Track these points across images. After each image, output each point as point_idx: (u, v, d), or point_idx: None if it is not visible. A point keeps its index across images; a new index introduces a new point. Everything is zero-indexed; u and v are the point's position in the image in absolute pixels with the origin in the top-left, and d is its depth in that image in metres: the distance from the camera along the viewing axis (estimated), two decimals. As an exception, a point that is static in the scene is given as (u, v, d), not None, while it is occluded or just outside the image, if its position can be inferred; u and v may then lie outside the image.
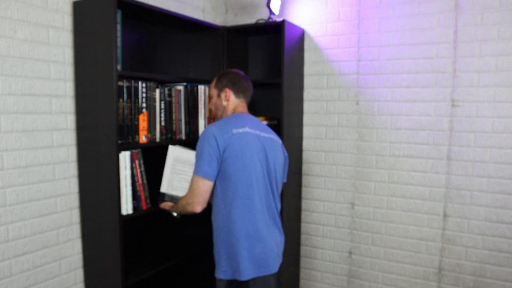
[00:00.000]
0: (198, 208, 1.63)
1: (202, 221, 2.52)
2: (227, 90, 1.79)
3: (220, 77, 1.84)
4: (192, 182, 1.64)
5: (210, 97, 1.90)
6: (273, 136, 1.79)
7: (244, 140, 1.62)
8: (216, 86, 1.83)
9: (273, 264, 1.69)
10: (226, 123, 1.66)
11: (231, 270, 1.63)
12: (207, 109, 2.36)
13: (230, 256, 1.63)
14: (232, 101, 1.80)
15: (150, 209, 1.96)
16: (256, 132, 1.69)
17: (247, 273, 1.61)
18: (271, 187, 1.72)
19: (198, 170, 1.60)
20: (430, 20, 2.21)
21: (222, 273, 1.65)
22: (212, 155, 1.58)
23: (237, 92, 1.80)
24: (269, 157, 1.71)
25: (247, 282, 1.62)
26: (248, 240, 1.62)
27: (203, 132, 1.66)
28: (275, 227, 1.74)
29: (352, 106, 2.47)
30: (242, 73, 1.86)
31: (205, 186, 1.60)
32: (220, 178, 1.62)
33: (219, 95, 1.82)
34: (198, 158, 1.62)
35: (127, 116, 1.83)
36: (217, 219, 1.67)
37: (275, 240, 1.71)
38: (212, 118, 2.42)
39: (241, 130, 1.64)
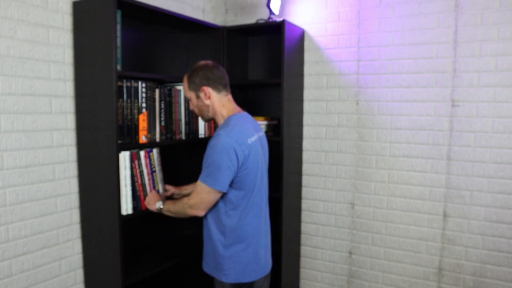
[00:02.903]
0: (203, 213, 1.63)
1: (202, 221, 2.52)
2: (205, 88, 1.64)
3: (190, 77, 1.67)
4: (202, 191, 1.57)
5: (188, 99, 1.74)
6: (263, 132, 1.81)
7: (255, 149, 1.61)
8: (190, 88, 1.67)
9: (270, 262, 1.77)
10: (239, 132, 1.57)
11: (235, 273, 1.62)
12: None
13: (235, 259, 1.62)
14: (215, 98, 1.66)
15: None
16: (258, 134, 1.69)
17: (254, 275, 1.65)
18: (267, 186, 1.76)
19: (214, 184, 1.53)
20: (430, 20, 2.21)
21: (224, 276, 1.63)
22: (231, 169, 1.53)
23: (215, 87, 1.66)
24: (266, 158, 1.75)
25: (252, 283, 1.65)
26: (256, 243, 1.65)
27: (220, 143, 1.52)
28: (268, 225, 1.79)
29: (352, 106, 2.47)
30: (211, 62, 1.71)
31: (217, 197, 1.59)
32: (235, 187, 1.59)
33: (198, 96, 1.67)
34: (215, 170, 1.53)
35: (127, 116, 1.83)
36: (222, 225, 1.62)
37: (269, 239, 1.79)
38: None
39: (253, 139, 1.61)
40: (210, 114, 1.70)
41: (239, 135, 1.56)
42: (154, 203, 1.84)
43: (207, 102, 1.66)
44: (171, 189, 2.07)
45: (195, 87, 1.66)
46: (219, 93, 1.67)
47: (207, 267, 1.72)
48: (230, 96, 1.72)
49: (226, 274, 1.63)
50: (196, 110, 1.74)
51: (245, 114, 1.73)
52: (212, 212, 1.65)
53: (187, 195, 2.06)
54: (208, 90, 1.65)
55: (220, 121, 1.68)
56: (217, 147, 1.53)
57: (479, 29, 2.10)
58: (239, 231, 1.62)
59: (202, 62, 1.70)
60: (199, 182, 1.58)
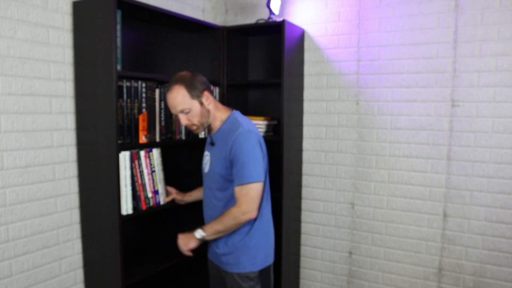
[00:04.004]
0: (256, 213, 1.61)
1: (202, 221, 2.52)
2: (206, 92, 1.64)
3: (189, 86, 1.60)
4: (250, 191, 1.57)
5: (184, 112, 1.62)
6: None
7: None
8: (193, 97, 1.60)
9: None
10: (253, 126, 1.67)
11: (261, 259, 1.68)
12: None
13: (260, 246, 1.68)
14: (212, 102, 1.68)
15: (150, 209, 1.96)
16: None
17: (271, 257, 1.75)
18: None
19: (259, 177, 1.57)
20: (430, 20, 2.21)
21: (251, 265, 1.66)
22: (261, 160, 1.61)
23: (210, 90, 1.67)
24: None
25: (269, 266, 1.73)
26: (272, 227, 1.77)
27: (246, 138, 1.57)
28: None
29: (352, 106, 2.47)
30: (190, 71, 1.71)
31: (262, 189, 1.63)
32: None
33: (201, 103, 1.63)
34: (254, 164, 1.56)
35: (127, 116, 1.83)
36: None
37: None
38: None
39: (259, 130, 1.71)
40: (210, 120, 1.68)
41: (255, 128, 1.66)
42: (192, 238, 1.69)
43: (209, 107, 1.65)
44: (172, 191, 2.06)
45: (198, 94, 1.62)
46: (212, 96, 1.69)
47: (228, 266, 1.70)
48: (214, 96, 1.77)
49: (253, 263, 1.66)
50: (196, 120, 1.64)
51: (238, 111, 1.76)
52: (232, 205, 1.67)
53: (190, 202, 2.09)
54: (208, 94, 1.64)
55: (218, 123, 1.69)
56: (245, 143, 1.57)
57: (479, 29, 2.10)
58: (263, 218, 1.69)
59: (186, 72, 1.66)
60: (242, 186, 1.57)
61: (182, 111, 1.61)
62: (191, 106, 1.61)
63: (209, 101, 1.64)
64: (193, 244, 1.69)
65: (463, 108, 2.18)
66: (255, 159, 1.58)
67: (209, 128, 1.74)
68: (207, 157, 1.75)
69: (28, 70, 1.69)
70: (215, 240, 1.72)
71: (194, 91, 1.61)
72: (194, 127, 1.66)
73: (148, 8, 1.89)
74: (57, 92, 1.81)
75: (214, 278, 1.84)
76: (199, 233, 1.67)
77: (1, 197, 1.63)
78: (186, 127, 1.92)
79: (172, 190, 2.06)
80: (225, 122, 1.68)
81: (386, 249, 2.44)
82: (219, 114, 1.69)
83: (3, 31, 1.60)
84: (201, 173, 2.57)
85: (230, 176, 1.62)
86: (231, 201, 1.65)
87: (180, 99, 1.59)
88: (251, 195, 1.57)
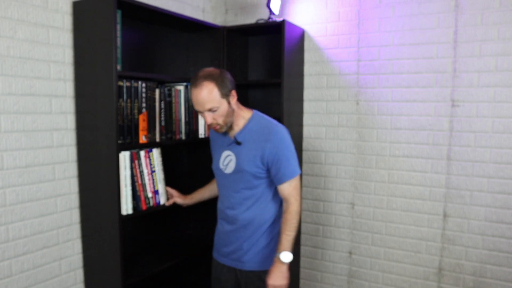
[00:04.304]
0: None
1: (202, 221, 2.52)
2: (234, 92, 1.62)
3: (220, 84, 1.56)
4: (297, 182, 1.64)
5: (212, 111, 1.57)
6: None
7: None
8: (222, 96, 1.56)
9: None
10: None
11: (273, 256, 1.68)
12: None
13: (275, 240, 1.69)
14: (237, 101, 1.66)
15: (150, 209, 1.96)
16: None
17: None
18: None
19: (298, 169, 1.65)
20: (430, 20, 2.21)
21: (271, 262, 1.66)
22: None
23: (235, 90, 1.66)
24: None
25: None
26: None
27: (284, 132, 1.65)
28: None
29: (352, 106, 2.47)
30: (217, 68, 1.67)
31: None
32: None
33: (229, 103, 1.60)
34: (295, 157, 1.65)
35: (127, 116, 1.83)
36: (271, 211, 1.70)
37: None
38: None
39: None
40: (232, 118, 1.65)
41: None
42: (282, 268, 1.62)
43: (234, 106, 1.63)
44: (173, 193, 2.03)
45: (227, 93, 1.58)
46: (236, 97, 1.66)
47: (252, 264, 1.70)
48: None
49: (271, 258, 1.67)
50: (221, 120, 1.60)
51: (256, 110, 1.78)
52: (261, 203, 1.68)
53: (191, 205, 2.06)
54: (235, 93, 1.63)
55: (242, 122, 1.68)
56: (285, 139, 1.63)
57: (479, 29, 2.10)
58: (279, 212, 1.72)
59: (214, 69, 1.62)
60: (291, 181, 1.62)
61: (210, 110, 1.56)
62: (220, 105, 1.57)
63: (235, 100, 1.63)
64: (286, 272, 1.63)
65: (463, 108, 2.18)
66: (294, 153, 1.66)
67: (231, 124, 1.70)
68: (229, 157, 1.70)
69: (28, 70, 1.69)
70: (232, 242, 1.72)
71: (224, 90, 1.57)
72: (218, 127, 1.63)
73: (148, 8, 1.88)
74: (57, 92, 1.81)
75: (226, 282, 1.80)
76: (286, 257, 1.61)
77: (1, 197, 1.63)
78: (207, 125, 1.82)
79: (173, 192, 2.04)
80: (250, 121, 1.67)
81: (386, 249, 2.44)
82: (242, 113, 1.68)
83: (3, 31, 1.60)
84: (202, 173, 2.58)
85: (261, 174, 1.64)
86: (260, 199, 1.67)
87: (210, 97, 1.54)
88: (298, 187, 1.65)
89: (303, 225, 2.69)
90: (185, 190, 2.14)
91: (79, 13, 1.82)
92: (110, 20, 1.70)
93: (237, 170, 1.66)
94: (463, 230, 2.23)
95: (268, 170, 1.64)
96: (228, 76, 1.61)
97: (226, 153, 1.72)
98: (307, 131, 2.62)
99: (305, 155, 2.64)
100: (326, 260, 2.64)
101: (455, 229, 2.25)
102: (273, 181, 1.67)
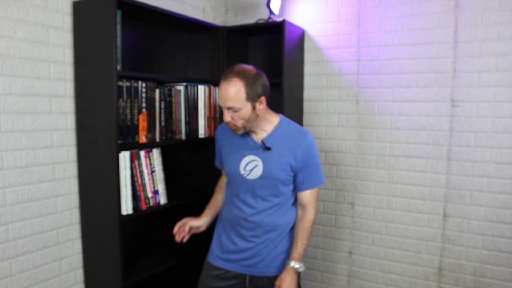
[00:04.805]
0: None
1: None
2: (263, 98, 1.52)
3: (250, 86, 1.46)
4: (317, 192, 1.64)
5: (232, 110, 1.49)
6: None
7: None
8: (248, 99, 1.46)
9: None
10: None
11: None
12: (207, 109, 2.36)
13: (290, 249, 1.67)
14: (264, 106, 1.56)
15: (150, 209, 1.96)
16: None
17: None
18: None
19: (324, 179, 1.65)
20: (430, 20, 2.21)
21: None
22: None
23: (268, 95, 1.56)
24: None
25: None
26: None
27: (312, 139, 1.60)
28: None
29: (352, 106, 2.47)
30: (256, 68, 1.56)
31: None
32: None
33: (254, 108, 1.50)
34: (320, 166, 1.63)
35: (127, 116, 1.83)
36: (287, 218, 1.65)
37: None
38: (212, 118, 2.42)
39: None
40: (254, 123, 1.56)
41: None
42: (293, 276, 1.58)
43: (259, 112, 1.53)
44: (184, 221, 1.76)
45: (255, 97, 1.48)
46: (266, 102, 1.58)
47: (270, 270, 1.65)
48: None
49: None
50: (240, 123, 1.51)
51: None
52: (284, 209, 1.65)
53: (199, 227, 1.80)
54: (264, 99, 1.53)
55: (270, 127, 1.60)
56: (315, 147, 1.60)
57: (479, 29, 2.10)
58: (296, 217, 1.68)
59: (251, 67, 1.51)
60: (313, 189, 1.61)
61: (231, 108, 1.48)
62: (243, 107, 1.47)
63: (262, 106, 1.53)
64: (296, 280, 1.59)
65: (463, 108, 2.18)
66: (320, 161, 1.64)
67: (250, 131, 1.60)
68: (254, 162, 1.58)
69: (28, 70, 1.69)
70: (248, 249, 1.64)
71: (252, 93, 1.47)
72: (234, 127, 1.54)
73: (148, 8, 1.89)
74: (57, 92, 1.81)
75: None
76: (299, 266, 1.58)
77: (1, 197, 1.63)
78: (227, 123, 1.60)
79: (184, 220, 1.75)
80: (278, 126, 1.60)
81: (386, 249, 2.44)
82: (269, 118, 1.61)
83: (3, 31, 1.60)
84: (202, 173, 2.57)
85: (289, 181, 1.60)
86: (285, 204, 1.63)
87: (234, 95, 1.45)
88: (317, 196, 1.64)
89: (303, 225, 2.69)
90: (185, 190, 2.14)
91: (79, 13, 1.82)
92: (110, 20, 1.70)
93: (264, 176, 1.57)
94: (463, 230, 2.23)
95: (294, 176, 1.60)
96: (263, 80, 1.51)
97: (249, 157, 1.60)
98: (307, 131, 2.62)
99: (305, 155, 2.64)
100: (326, 260, 2.64)
101: (455, 229, 2.25)
102: (295, 187, 1.63)
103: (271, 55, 2.67)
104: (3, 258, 1.65)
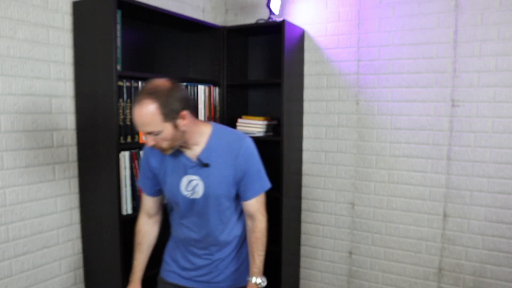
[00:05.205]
0: None
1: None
2: (184, 113, 1.30)
3: (165, 104, 1.25)
4: (264, 197, 1.49)
5: (153, 134, 1.29)
6: None
7: None
8: (165, 120, 1.27)
9: None
10: None
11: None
12: (207, 109, 2.36)
13: (246, 258, 1.59)
14: (190, 120, 1.34)
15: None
16: None
17: None
18: None
19: (269, 182, 1.50)
20: (430, 20, 2.21)
21: (244, 276, 1.58)
22: None
23: (190, 107, 1.35)
24: None
25: None
26: None
27: (250, 143, 1.45)
28: None
29: (352, 106, 2.47)
30: (171, 80, 1.34)
31: None
32: None
33: (175, 127, 1.30)
34: (262, 171, 1.48)
35: (127, 116, 1.83)
36: (238, 230, 1.55)
37: None
38: (212, 118, 2.42)
39: None
40: (184, 140, 1.38)
41: None
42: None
43: (184, 128, 1.32)
44: None
45: (173, 116, 1.28)
46: (191, 114, 1.36)
47: (227, 283, 1.55)
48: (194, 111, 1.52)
49: (245, 272, 1.57)
50: (165, 144, 1.33)
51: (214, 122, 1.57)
52: (234, 221, 1.53)
53: None
54: (186, 114, 1.31)
55: (202, 140, 1.42)
56: (254, 151, 1.46)
57: (479, 29, 2.10)
58: (245, 225, 1.56)
59: (164, 82, 1.30)
60: (259, 196, 1.46)
61: (150, 133, 1.30)
62: (162, 128, 1.28)
63: (186, 122, 1.32)
64: None
65: (463, 108, 2.18)
66: (262, 164, 1.49)
67: (182, 147, 1.42)
68: (194, 181, 1.42)
69: (28, 70, 1.69)
70: (204, 266, 1.53)
71: (169, 112, 1.27)
72: (161, 150, 1.37)
73: (148, 8, 1.89)
74: (57, 92, 1.81)
75: None
76: (261, 281, 1.47)
77: (1, 197, 1.63)
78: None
79: None
80: (212, 137, 1.42)
81: (386, 249, 2.44)
82: (199, 130, 1.42)
83: (3, 31, 1.60)
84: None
85: (233, 194, 1.46)
86: (233, 217, 1.51)
87: (149, 119, 1.26)
88: (264, 202, 1.49)
89: (303, 225, 2.69)
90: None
91: (79, 13, 1.82)
92: (110, 20, 1.70)
93: (207, 194, 1.43)
94: (463, 230, 2.23)
95: (238, 187, 1.46)
96: (179, 93, 1.30)
97: (188, 177, 1.43)
98: (307, 131, 2.62)
99: (305, 155, 2.64)
100: (326, 260, 2.64)
101: (455, 229, 2.25)
102: (240, 197, 1.49)
103: (271, 55, 2.67)
104: (3, 258, 1.65)
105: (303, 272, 2.73)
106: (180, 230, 1.55)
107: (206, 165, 1.41)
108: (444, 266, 2.30)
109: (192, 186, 1.44)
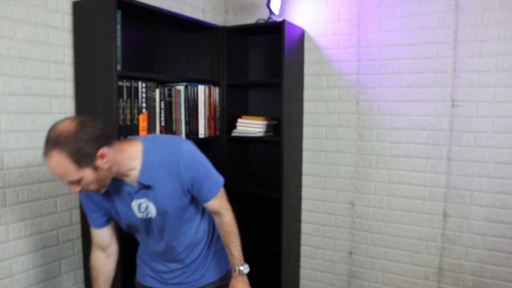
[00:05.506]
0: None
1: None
2: (102, 151, 1.17)
3: (74, 152, 1.12)
4: (222, 193, 1.44)
5: (74, 182, 1.18)
6: None
7: None
8: (80, 167, 1.14)
9: None
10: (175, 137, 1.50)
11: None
12: (207, 109, 2.36)
13: (219, 252, 1.60)
14: (111, 153, 1.21)
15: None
16: None
17: None
18: None
19: (221, 178, 1.44)
20: (430, 20, 2.21)
21: (220, 268, 1.61)
22: None
23: (108, 141, 1.21)
24: None
25: None
26: None
27: (188, 147, 1.35)
28: None
29: (352, 106, 2.47)
30: (79, 118, 1.19)
31: None
32: None
33: (96, 169, 1.18)
34: (210, 170, 1.41)
35: (127, 116, 1.83)
36: (204, 227, 1.54)
37: None
38: (212, 118, 2.42)
39: None
40: (115, 171, 1.26)
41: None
42: (245, 280, 1.52)
43: (106, 165, 1.20)
44: None
45: (89, 160, 1.15)
46: (112, 144, 1.23)
47: (216, 274, 1.57)
48: (115, 138, 1.30)
49: (220, 264, 1.58)
50: (92, 187, 1.22)
51: (144, 135, 1.49)
52: (197, 224, 1.50)
53: None
54: (105, 151, 1.18)
55: (135, 162, 1.30)
56: (194, 153, 1.36)
57: (479, 29, 2.10)
58: (212, 218, 1.55)
59: (68, 124, 1.15)
60: (216, 196, 1.41)
61: (70, 182, 1.19)
62: (81, 175, 1.17)
63: (107, 159, 1.19)
64: (248, 282, 1.53)
65: (463, 108, 2.18)
66: (208, 162, 1.41)
67: (119, 175, 1.31)
68: (144, 204, 1.36)
69: (28, 70, 1.69)
70: (176, 270, 1.53)
71: (83, 159, 1.14)
72: (93, 191, 1.26)
73: (148, 8, 1.89)
74: (57, 92, 1.81)
75: None
76: (245, 268, 1.50)
77: (1, 197, 1.63)
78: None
79: None
80: (146, 156, 1.30)
81: (386, 249, 2.44)
82: (130, 154, 1.29)
83: (3, 31, 1.60)
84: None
85: (188, 202, 1.42)
86: (194, 221, 1.48)
87: (62, 171, 1.14)
88: (224, 196, 1.46)
89: (303, 225, 2.69)
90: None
91: (79, 13, 1.82)
92: (110, 20, 1.70)
93: (161, 212, 1.38)
94: (463, 230, 2.23)
95: (191, 194, 1.41)
96: (88, 133, 1.15)
97: (137, 202, 1.36)
98: (307, 131, 2.62)
99: (305, 155, 2.64)
100: (326, 260, 2.64)
101: (455, 229, 2.25)
102: (198, 201, 1.45)
103: (271, 55, 2.67)
104: (3, 258, 1.65)
105: (303, 272, 2.73)
106: (147, 246, 1.53)
107: (148, 187, 1.33)
108: (444, 266, 2.30)
109: (143, 207, 1.37)
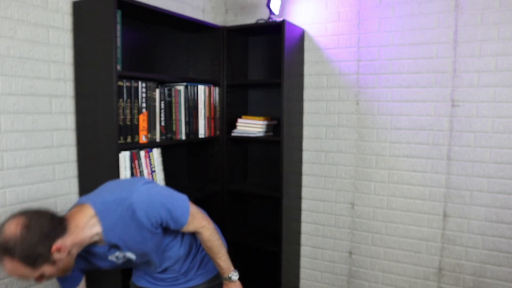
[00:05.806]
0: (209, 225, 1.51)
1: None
2: (57, 245, 1.14)
3: (25, 258, 1.10)
4: (192, 215, 1.40)
5: (38, 278, 1.17)
6: None
7: None
8: (35, 266, 1.12)
9: None
10: (121, 183, 1.47)
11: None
12: (207, 109, 2.36)
13: (206, 258, 1.63)
14: (68, 241, 1.18)
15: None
16: None
17: None
18: None
19: (185, 200, 1.41)
20: (430, 20, 2.21)
21: (210, 269, 1.65)
22: (165, 187, 1.50)
23: (59, 233, 1.16)
24: None
25: None
26: None
27: (138, 191, 1.29)
28: None
29: (352, 106, 2.47)
30: (24, 218, 1.14)
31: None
32: None
33: (54, 262, 1.15)
34: (171, 199, 1.37)
35: (127, 116, 1.83)
36: (188, 241, 1.55)
37: None
38: (212, 118, 2.42)
39: None
40: (74, 257, 1.25)
41: (128, 181, 1.47)
42: (240, 286, 1.55)
43: (64, 254, 1.17)
44: None
45: (44, 258, 1.12)
46: (67, 232, 1.19)
47: (206, 275, 1.62)
48: (67, 215, 1.27)
49: (209, 266, 1.63)
50: (58, 274, 1.22)
51: (91, 195, 1.37)
52: (178, 246, 1.53)
53: None
54: (61, 244, 1.15)
55: (95, 228, 1.26)
56: (146, 193, 1.30)
57: (479, 29, 2.10)
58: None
59: (13, 229, 1.10)
60: (189, 221, 1.39)
61: (34, 279, 1.17)
62: (41, 272, 1.15)
63: (65, 248, 1.16)
64: (240, 285, 1.55)
65: (463, 108, 2.18)
66: (166, 191, 1.39)
67: (85, 247, 1.29)
68: (120, 255, 1.36)
69: (28, 70, 1.69)
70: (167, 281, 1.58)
71: (37, 259, 1.11)
72: (61, 277, 1.27)
73: (148, 8, 1.89)
74: (57, 92, 1.81)
75: None
76: (235, 275, 1.52)
77: (1, 197, 1.63)
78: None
79: None
80: (102, 219, 1.26)
81: (386, 249, 2.44)
82: (85, 226, 1.24)
83: (3, 31, 1.60)
84: (202, 173, 2.58)
85: (162, 234, 1.40)
86: (175, 245, 1.51)
87: (20, 274, 1.13)
88: (198, 213, 1.44)
89: (303, 225, 2.69)
90: (184, 190, 2.13)
91: (79, 13, 1.82)
92: (110, 20, 1.70)
93: (139, 254, 1.40)
94: (463, 230, 2.23)
95: (163, 227, 1.38)
96: (36, 233, 1.11)
97: (113, 256, 1.36)
98: (307, 131, 2.62)
99: (305, 155, 2.64)
100: (326, 260, 2.64)
101: (455, 229, 2.25)
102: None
103: (271, 55, 2.67)
104: (3, 258, 1.65)
105: (303, 272, 2.73)
106: (137, 270, 1.63)
107: (117, 246, 1.32)
108: (444, 266, 2.30)
109: (121, 257, 1.38)
